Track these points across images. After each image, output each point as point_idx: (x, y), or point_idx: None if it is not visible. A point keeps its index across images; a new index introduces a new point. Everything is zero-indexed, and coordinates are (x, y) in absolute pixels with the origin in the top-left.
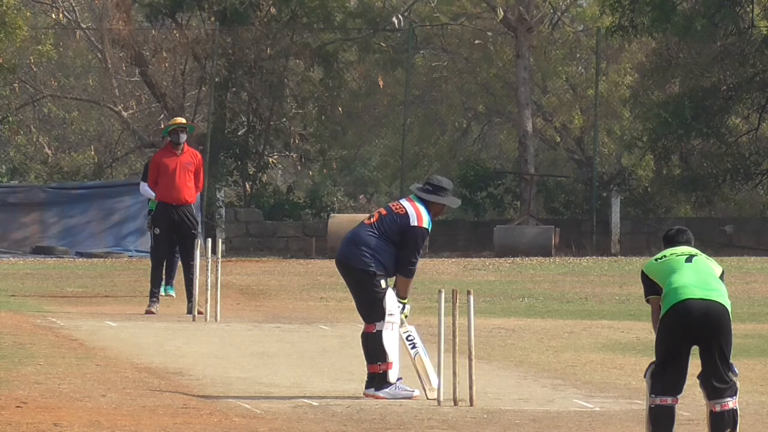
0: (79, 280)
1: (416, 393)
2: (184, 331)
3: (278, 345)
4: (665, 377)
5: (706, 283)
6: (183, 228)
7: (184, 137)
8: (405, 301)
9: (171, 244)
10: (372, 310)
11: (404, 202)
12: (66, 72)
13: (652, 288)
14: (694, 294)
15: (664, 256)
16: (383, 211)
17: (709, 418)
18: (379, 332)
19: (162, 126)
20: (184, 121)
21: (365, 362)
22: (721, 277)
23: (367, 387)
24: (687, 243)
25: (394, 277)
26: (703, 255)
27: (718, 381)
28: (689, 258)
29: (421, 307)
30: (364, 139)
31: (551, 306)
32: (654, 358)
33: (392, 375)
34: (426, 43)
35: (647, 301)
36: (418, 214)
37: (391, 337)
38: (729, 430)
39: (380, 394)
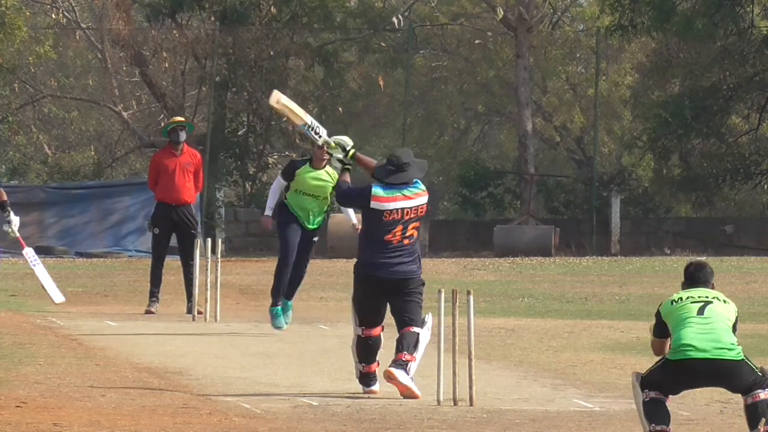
0: (79, 280)
1: (419, 393)
2: (184, 331)
3: (278, 345)
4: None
5: (715, 340)
6: (183, 228)
7: (183, 136)
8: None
9: (180, 245)
10: (420, 315)
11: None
12: (66, 72)
13: (663, 329)
14: (700, 355)
15: (681, 299)
16: (400, 229)
17: (745, 412)
18: (417, 332)
19: (162, 126)
20: (183, 119)
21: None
22: (736, 321)
23: (392, 366)
24: (705, 282)
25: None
26: (720, 299)
27: None
28: (702, 309)
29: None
30: (364, 139)
31: (551, 306)
32: (650, 367)
33: (412, 369)
34: (426, 43)
35: (654, 336)
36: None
37: (426, 338)
38: (764, 419)
39: (400, 376)
